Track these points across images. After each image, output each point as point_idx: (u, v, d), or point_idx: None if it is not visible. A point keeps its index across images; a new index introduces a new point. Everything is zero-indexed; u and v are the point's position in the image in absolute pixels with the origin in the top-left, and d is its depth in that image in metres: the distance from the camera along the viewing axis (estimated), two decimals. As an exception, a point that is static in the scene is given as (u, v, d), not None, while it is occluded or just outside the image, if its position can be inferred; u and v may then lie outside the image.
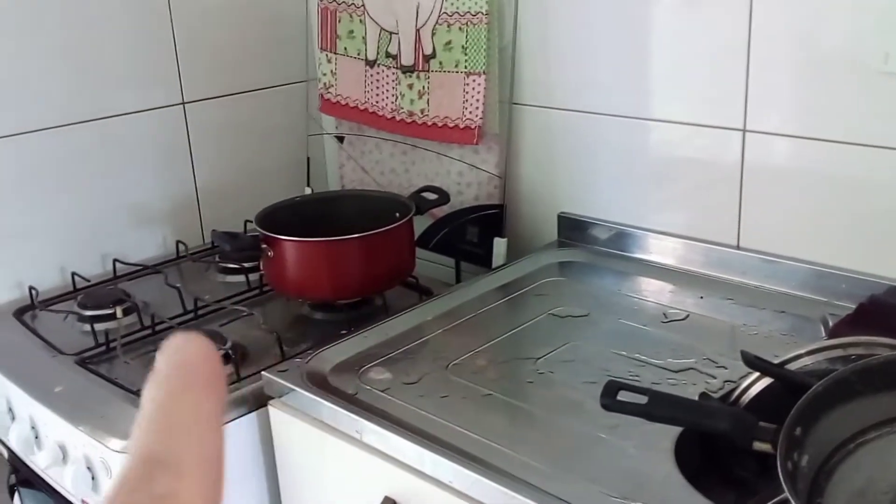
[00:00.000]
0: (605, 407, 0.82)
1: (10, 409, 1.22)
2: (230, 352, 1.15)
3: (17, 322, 1.34)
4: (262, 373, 1.06)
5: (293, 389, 1.02)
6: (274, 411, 1.06)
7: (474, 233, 1.44)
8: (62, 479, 1.10)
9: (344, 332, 1.23)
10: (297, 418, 1.03)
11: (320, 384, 1.03)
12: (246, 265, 1.42)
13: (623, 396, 0.82)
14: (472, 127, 1.38)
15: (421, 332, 1.14)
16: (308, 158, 1.70)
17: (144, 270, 1.47)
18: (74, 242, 1.47)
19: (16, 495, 1.28)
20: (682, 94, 1.23)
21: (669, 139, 1.26)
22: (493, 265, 1.39)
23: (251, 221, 1.58)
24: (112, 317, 1.31)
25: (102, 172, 1.49)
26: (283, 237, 1.23)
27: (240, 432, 1.09)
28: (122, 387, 1.13)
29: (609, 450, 0.88)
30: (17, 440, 1.17)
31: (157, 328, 1.27)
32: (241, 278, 1.42)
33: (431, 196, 1.39)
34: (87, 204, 1.47)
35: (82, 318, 1.31)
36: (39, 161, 1.41)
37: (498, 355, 1.08)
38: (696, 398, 0.91)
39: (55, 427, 1.12)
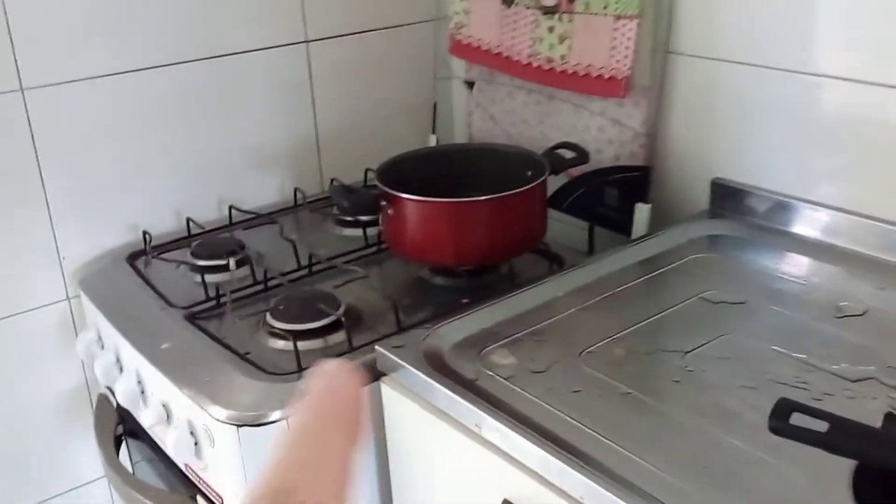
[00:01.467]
0: (775, 431, 0.68)
1: (119, 361, 1.18)
2: (342, 318, 1.07)
3: (129, 268, 1.29)
4: (376, 346, 0.97)
5: (408, 369, 0.92)
6: (386, 389, 0.97)
7: (613, 196, 1.30)
8: (165, 440, 1.04)
9: (465, 300, 1.13)
10: (410, 400, 0.94)
11: (438, 365, 0.93)
12: (363, 219, 1.33)
13: (797, 419, 0.68)
14: (620, 77, 1.23)
15: (551, 309, 1.03)
16: (435, 104, 1.58)
17: (260, 219, 1.40)
18: (191, 186, 1.41)
19: (122, 445, 1.25)
20: (862, 47, 1.05)
21: (846, 99, 1.08)
22: (634, 234, 1.25)
23: (372, 170, 1.51)
24: (225, 268, 1.25)
25: (220, 113, 1.41)
26: (405, 195, 1.12)
27: (349, 407, 1.01)
28: (229, 348, 1.06)
29: (772, 476, 0.75)
30: (123, 394, 1.13)
31: (269, 284, 1.19)
32: (358, 232, 1.33)
33: (568, 154, 1.25)
34: (204, 146, 1.41)
35: (194, 269, 1.25)
36: (157, 100, 1.34)
37: (639, 344, 0.95)
38: (881, 420, 0.76)
39: (160, 386, 1.06)
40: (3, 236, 1.26)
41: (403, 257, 1.20)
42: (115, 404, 1.23)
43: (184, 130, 1.38)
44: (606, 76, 1.25)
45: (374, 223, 1.32)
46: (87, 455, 1.36)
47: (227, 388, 0.99)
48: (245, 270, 1.25)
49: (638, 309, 1.02)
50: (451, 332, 0.99)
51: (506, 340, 0.97)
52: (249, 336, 1.09)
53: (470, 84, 1.53)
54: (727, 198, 1.22)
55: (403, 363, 0.93)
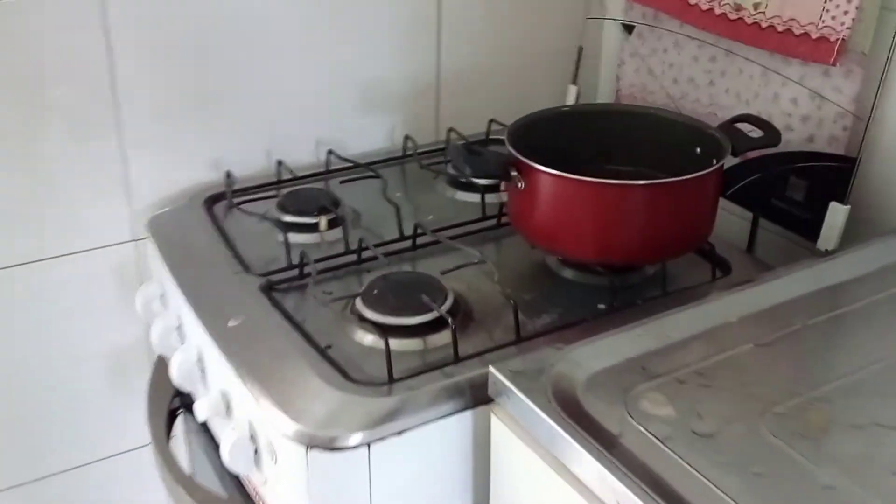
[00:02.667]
0: None
1: (180, 328, 1.00)
2: (448, 316, 0.85)
3: (206, 214, 1.09)
4: (490, 369, 0.75)
5: (529, 406, 0.71)
6: (497, 422, 0.76)
7: (799, 188, 1.04)
8: (221, 439, 0.86)
9: (603, 306, 0.90)
10: (527, 445, 0.72)
11: (569, 405, 0.70)
12: (481, 182, 1.10)
13: None
14: (832, 39, 0.96)
15: (720, 341, 0.78)
16: (580, 49, 1.33)
17: (360, 169, 1.19)
18: (286, 123, 1.20)
19: (178, 419, 1.08)
20: None
21: None
22: (822, 242, 0.99)
23: (498, 122, 1.28)
24: (314, 228, 1.04)
25: (331, 42, 1.19)
26: (543, 168, 0.89)
27: (447, 434, 0.79)
28: (308, 338, 0.86)
29: None
30: (179, 369, 0.94)
31: (363, 255, 0.99)
32: (474, 198, 1.11)
33: (752, 131, 0.99)
34: (304, 77, 1.19)
35: (279, 224, 1.05)
36: (255, 19, 1.14)
37: (843, 411, 0.71)
38: None
39: (221, 370, 0.87)
40: (68, 162, 1.08)
41: (530, 240, 0.97)
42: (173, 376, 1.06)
43: (284, 57, 1.17)
44: (814, 35, 0.97)
45: (494, 188, 1.10)
46: (142, 418, 1.20)
47: (300, 393, 0.79)
48: (336, 233, 1.04)
49: (837, 357, 0.77)
50: (588, 358, 0.76)
51: (661, 380, 0.74)
52: (334, 322, 0.88)
53: (629, 28, 1.26)
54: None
55: (525, 398, 0.71)
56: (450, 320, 0.83)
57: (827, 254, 0.98)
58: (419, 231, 1.01)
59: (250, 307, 0.91)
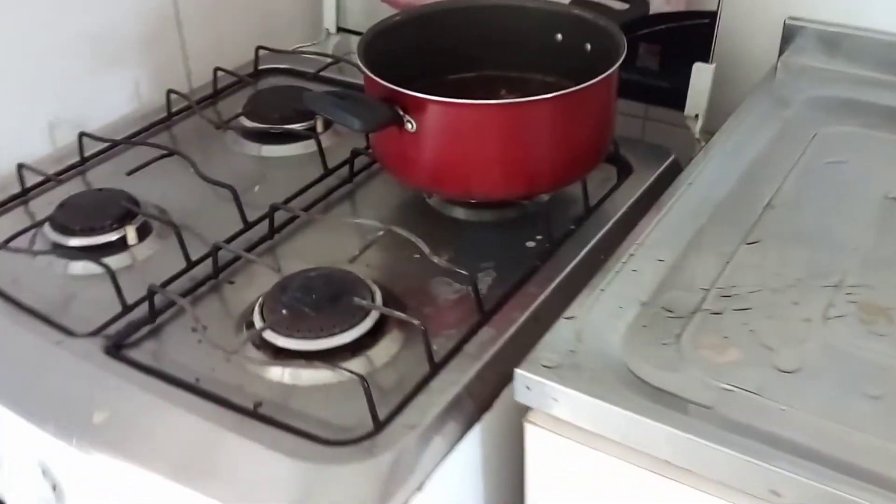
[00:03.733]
0: None
1: (45, 472, 0.68)
2: (396, 314, 0.66)
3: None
4: (519, 372, 0.58)
5: (599, 405, 0.56)
6: (537, 433, 0.60)
7: (653, 55, 0.95)
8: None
9: (532, 244, 0.77)
10: (597, 449, 0.57)
11: (642, 389, 0.57)
12: (300, 128, 0.89)
13: None
14: None
15: (712, 250, 0.68)
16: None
17: (120, 145, 0.91)
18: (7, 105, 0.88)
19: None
20: None
21: None
22: (689, 108, 0.92)
23: (266, 49, 1.04)
24: (119, 245, 0.77)
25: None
26: (446, 100, 0.70)
27: (463, 463, 0.62)
28: (217, 399, 0.62)
29: None
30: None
31: (221, 266, 0.74)
32: (292, 150, 0.90)
33: (617, 4, 0.87)
34: (9, 40, 0.87)
35: (66, 253, 0.76)
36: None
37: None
38: None
39: (118, 488, 0.61)
40: None
41: (424, 188, 0.79)
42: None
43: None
44: None
45: (306, 135, 0.90)
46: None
47: (258, 483, 0.57)
48: (154, 244, 0.78)
49: (829, 236, 0.70)
50: (605, 319, 0.62)
51: (696, 319, 0.62)
52: (237, 368, 0.64)
53: None
54: (808, 44, 0.92)
55: (589, 396, 0.56)
56: (415, 321, 0.64)
57: (697, 118, 0.93)
58: (275, 209, 0.78)
59: (108, 385, 0.65)
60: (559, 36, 0.85)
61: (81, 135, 0.88)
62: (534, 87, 0.87)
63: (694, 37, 0.92)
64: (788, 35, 0.93)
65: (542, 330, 0.61)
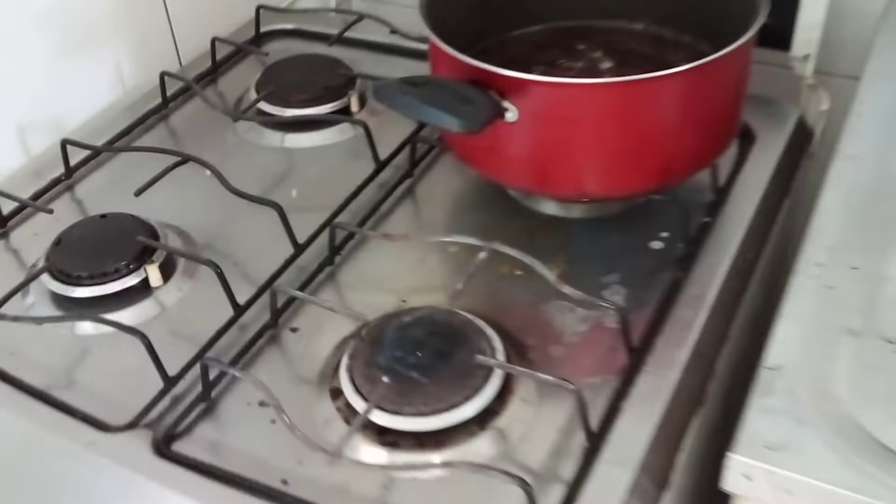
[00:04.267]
0: None
1: None
2: (573, 389, 0.51)
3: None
4: (735, 458, 0.43)
5: (839, 491, 0.42)
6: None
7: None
8: None
9: (659, 245, 0.62)
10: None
11: (886, 459, 0.43)
12: (314, 113, 0.72)
13: None
14: None
15: None
16: None
17: (106, 152, 0.72)
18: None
19: None
20: None
21: None
22: (797, 47, 0.76)
23: (269, 8, 0.86)
24: (142, 291, 0.60)
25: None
26: (560, 80, 0.54)
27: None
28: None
29: None
30: None
31: (279, 304, 0.58)
32: (328, 136, 0.73)
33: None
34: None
35: (77, 313, 0.59)
36: None
37: None
38: None
39: None
40: None
41: (525, 188, 0.62)
42: None
43: None
44: None
45: (328, 121, 0.73)
46: None
47: None
48: (184, 283, 0.61)
49: None
50: (817, 365, 0.47)
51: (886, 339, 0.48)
52: (329, 458, 0.50)
53: None
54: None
55: (837, 486, 0.42)
56: (569, 385, 0.49)
57: (808, 59, 0.77)
58: (337, 229, 0.61)
59: (168, 501, 0.49)
60: None
61: (64, 142, 0.70)
62: (622, 40, 0.70)
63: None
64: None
65: (707, 368, 0.47)
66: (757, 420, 0.45)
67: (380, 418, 0.49)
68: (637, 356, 0.53)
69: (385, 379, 0.50)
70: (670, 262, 0.60)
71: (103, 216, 0.64)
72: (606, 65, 0.67)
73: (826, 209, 0.56)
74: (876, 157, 0.60)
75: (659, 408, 0.50)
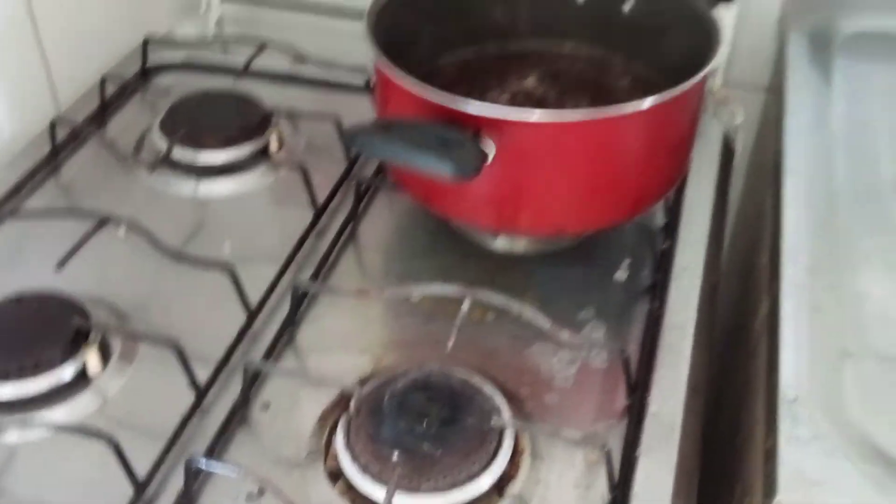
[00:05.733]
0: None
1: None
2: (604, 450, 0.48)
3: None
4: (782, 500, 0.43)
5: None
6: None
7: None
8: None
9: (622, 276, 0.62)
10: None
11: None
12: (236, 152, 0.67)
13: None
14: None
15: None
16: None
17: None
18: None
19: None
20: None
21: None
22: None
23: (157, 42, 0.79)
24: (77, 384, 0.52)
25: None
26: (544, 119, 0.51)
27: None
28: None
29: None
30: None
31: (250, 378, 0.52)
32: (248, 181, 0.68)
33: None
34: None
35: (11, 420, 0.50)
36: None
37: None
38: None
39: None
40: None
41: (500, 228, 0.59)
42: None
43: None
44: None
45: (241, 164, 0.68)
46: None
47: None
48: (125, 366, 0.54)
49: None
50: (829, 391, 0.48)
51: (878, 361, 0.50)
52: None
53: None
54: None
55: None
56: (597, 443, 0.46)
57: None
58: (300, 290, 0.56)
59: None
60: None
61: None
62: (577, 66, 0.68)
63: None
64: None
65: (699, 402, 0.47)
66: (792, 455, 0.44)
67: (399, 499, 0.45)
68: (639, 396, 0.52)
69: (395, 456, 0.46)
70: (640, 291, 0.59)
71: (18, 300, 0.55)
72: (549, 91, 0.65)
73: (794, 228, 0.57)
74: (822, 171, 0.62)
75: (673, 450, 0.49)
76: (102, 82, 0.73)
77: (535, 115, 0.51)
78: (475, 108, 0.51)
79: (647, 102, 0.52)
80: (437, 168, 0.48)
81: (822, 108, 0.67)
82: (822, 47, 0.73)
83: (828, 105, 0.67)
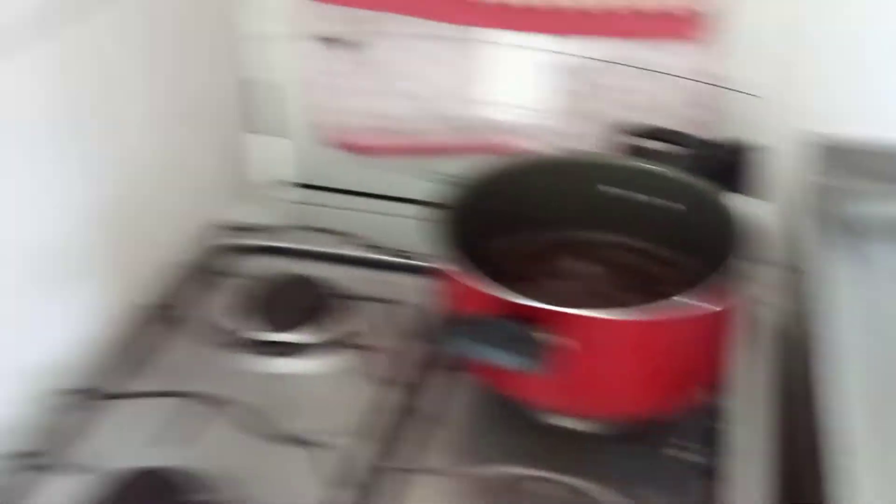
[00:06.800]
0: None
1: None
2: None
3: None
4: None
5: None
6: None
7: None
8: None
9: (672, 452, 0.65)
10: None
11: None
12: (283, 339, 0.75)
13: None
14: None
15: None
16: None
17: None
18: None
19: None
20: None
21: None
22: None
23: (227, 229, 0.85)
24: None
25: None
26: (617, 318, 0.57)
27: None
28: None
29: None
30: None
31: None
32: (311, 363, 0.74)
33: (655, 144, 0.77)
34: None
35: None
36: None
37: None
38: None
39: None
40: None
41: (558, 413, 0.65)
42: None
43: None
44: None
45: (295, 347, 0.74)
46: None
47: None
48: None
49: None
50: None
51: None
52: None
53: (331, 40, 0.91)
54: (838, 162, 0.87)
55: None
56: None
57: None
58: (381, 472, 0.60)
59: None
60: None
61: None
62: (605, 253, 0.75)
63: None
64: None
65: None
66: None
67: None
68: None
69: None
70: (694, 470, 0.63)
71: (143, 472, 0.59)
72: (603, 281, 0.71)
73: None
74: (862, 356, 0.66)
75: None
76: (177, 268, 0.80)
77: (611, 314, 0.57)
78: (548, 307, 0.57)
79: (722, 302, 0.58)
80: (511, 363, 0.54)
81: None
82: (853, 232, 0.79)
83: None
